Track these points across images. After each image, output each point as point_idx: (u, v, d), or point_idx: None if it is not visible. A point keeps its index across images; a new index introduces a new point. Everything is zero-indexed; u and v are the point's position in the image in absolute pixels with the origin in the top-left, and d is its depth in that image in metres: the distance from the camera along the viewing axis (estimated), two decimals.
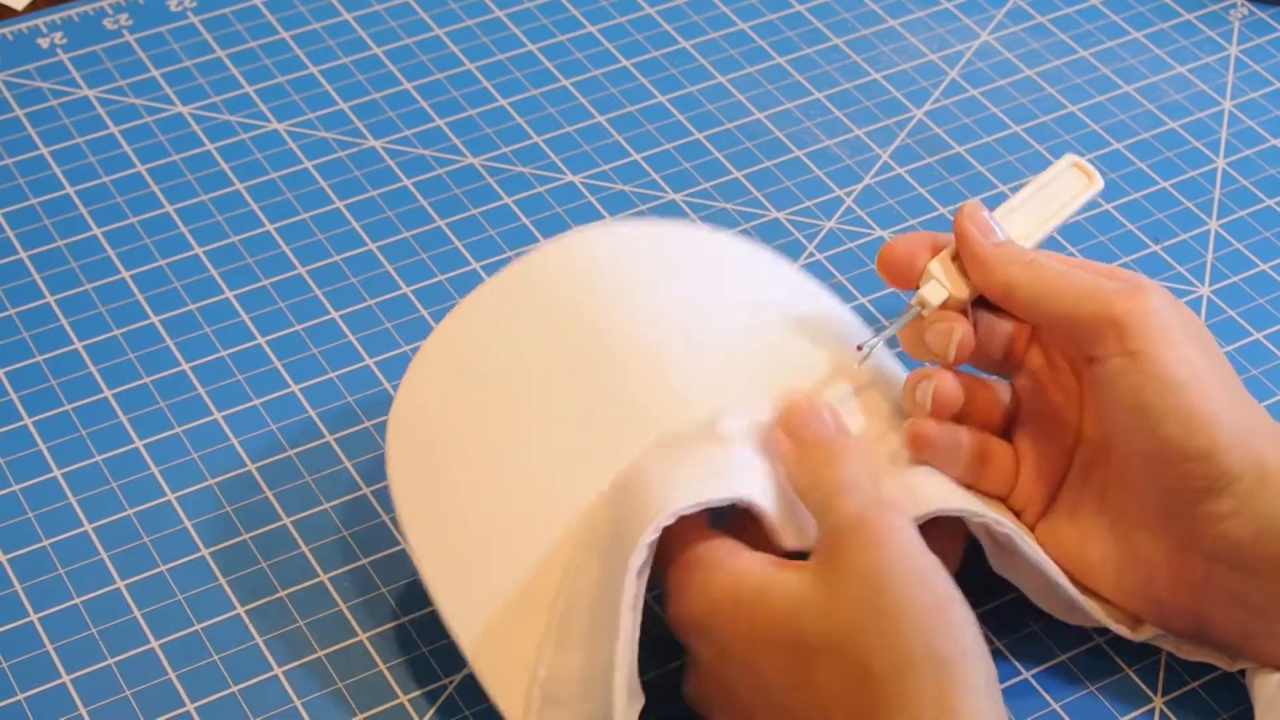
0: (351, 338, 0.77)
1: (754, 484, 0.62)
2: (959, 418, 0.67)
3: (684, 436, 0.64)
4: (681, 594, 0.61)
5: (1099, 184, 0.71)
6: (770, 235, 0.82)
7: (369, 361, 0.77)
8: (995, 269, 0.66)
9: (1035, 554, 0.65)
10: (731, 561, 0.61)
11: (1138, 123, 0.89)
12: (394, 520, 0.71)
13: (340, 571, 0.69)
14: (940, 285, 0.67)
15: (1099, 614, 0.66)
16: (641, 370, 0.67)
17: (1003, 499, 0.68)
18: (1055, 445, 0.67)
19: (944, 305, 0.67)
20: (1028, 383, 0.68)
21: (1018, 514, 0.67)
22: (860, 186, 0.85)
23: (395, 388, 0.75)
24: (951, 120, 0.89)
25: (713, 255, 0.73)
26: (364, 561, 0.70)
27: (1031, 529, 0.67)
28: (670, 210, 0.83)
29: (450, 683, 0.66)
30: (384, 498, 0.71)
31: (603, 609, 0.60)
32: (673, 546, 0.62)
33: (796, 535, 0.63)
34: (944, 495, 0.65)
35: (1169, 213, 0.85)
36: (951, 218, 0.83)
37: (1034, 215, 0.70)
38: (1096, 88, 0.91)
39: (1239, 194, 0.86)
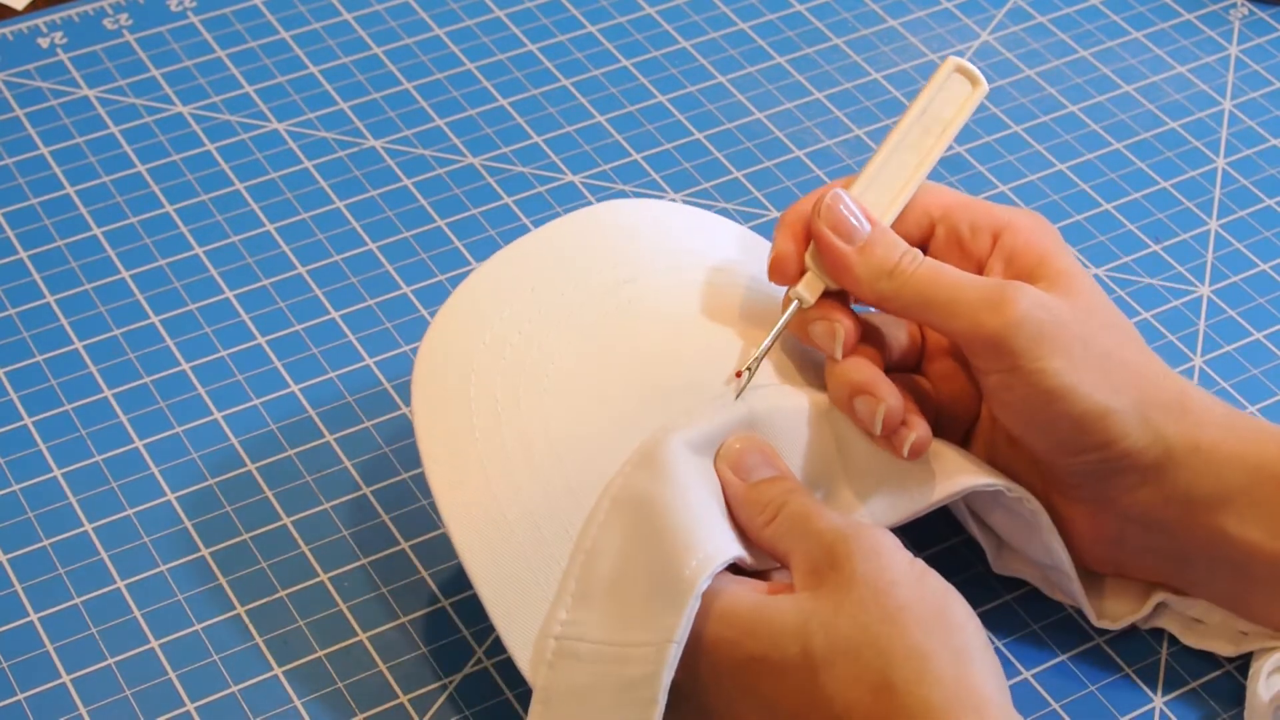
0: (351, 337, 0.77)
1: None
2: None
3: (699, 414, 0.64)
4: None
5: (984, 87, 0.67)
6: (770, 235, 0.82)
7: (369, 361, 0.77)
8: (862, 282, 0.64)
9: (1052, 535, 0.65)
10: (720, 592, 0.60)
11: (1138, 123, 0.89)
12: (394, 520, 0.71)
13: (340, 571, 0.69)
14: (816, 278, 0.65)
15: (1089, 610, 0.67)
16: (659, 332, 0.67)
17: None
18: (960, 424, 0.68)
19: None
20: (931, 368, 0.68)
21: None
22: None
23: (396, 388, 0.75)
24: None
25: (715, 228, 0.73)
26: (364, 561, 0.70)
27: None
28: None
29: (450, 683, 0.66)
30: (384, 498, 0.72)
31: (636, 567, 0.60)
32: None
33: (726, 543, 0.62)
34: (975, 471, 0.65)
35: (1169, 213, 0.85)
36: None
37: (903, 167, 0.67)
38: (1096, 88, 0.91)
39: (1239, 194, 0.86)
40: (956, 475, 0.64)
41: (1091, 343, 0.63)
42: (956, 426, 0.68)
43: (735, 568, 0.61)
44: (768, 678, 0.58)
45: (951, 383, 0.67)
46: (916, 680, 0.56)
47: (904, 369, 0.68)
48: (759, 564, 0.62)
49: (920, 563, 0.59)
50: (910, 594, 0.58)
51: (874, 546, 0.59)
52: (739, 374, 0.64)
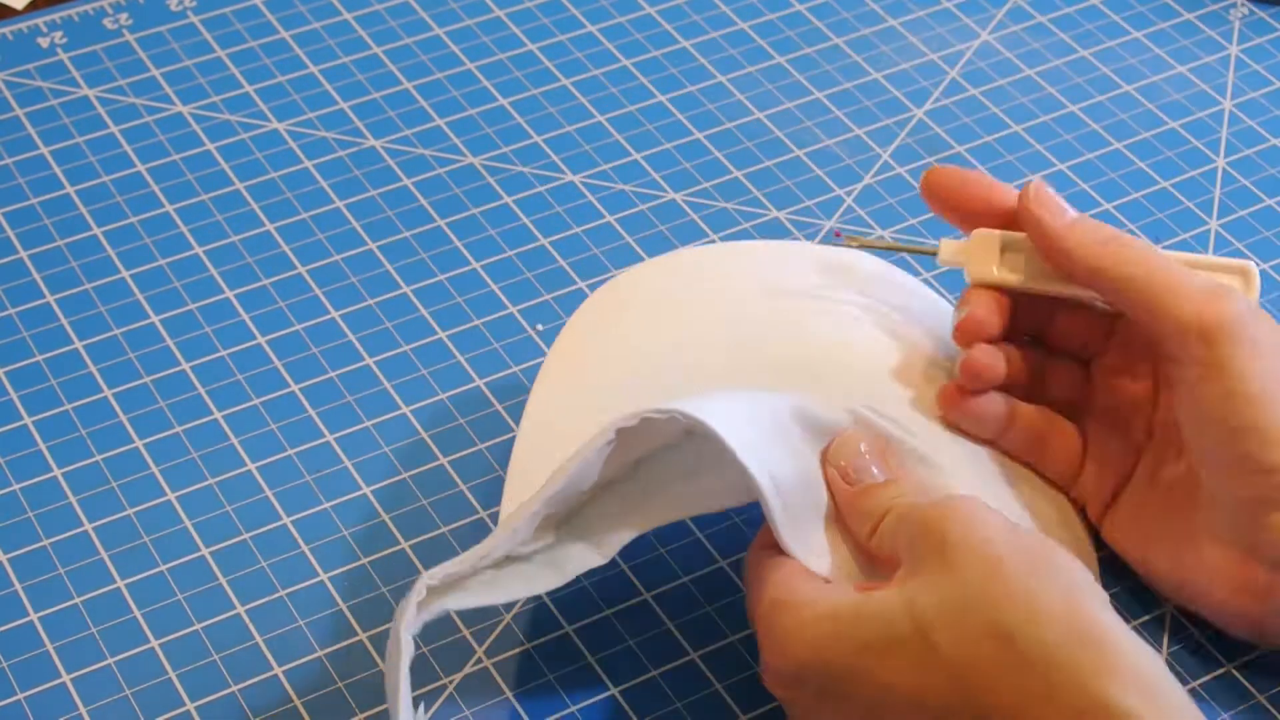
0: (352, 337, 0.77)
1: (764, 456, 0.62)
2: (1026, 395, 0.67)
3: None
4: (776, 642, 0.60)
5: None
6: (770, 235, 0.82)
7: (369, 361, 0.77)
8: (1075, 254, 0.64)
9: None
10: (818, 593, 0.60)
11: (1138, 122, 0.89)
12: (394, 520, 0.71)
13: (340, 571, 0.69)
14: (990, 268, 0.66)
15: None
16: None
17: (1065, 488, 0.68)
18: (1125, 440, 0.67)
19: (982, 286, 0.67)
20: (1103, 371, 0.68)
21: (1080, 507, 0.68)
22: (860, 186, 0.85)
23: (396, 388, 0.75)
24: (951, 120, 0.89)
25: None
26: (364, 561, 0.70)
27: (1098, 524, 0.68)
28: (670, 210, 0.83)
29: (450, 683, 0.66)
30: (384, 497, 0.72)
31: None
32: (757, 587, 0.61)
33: (803, 547, 0.62)
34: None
35: (1169, 213, 0.85)
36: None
37: None
38: (1096, 87, 0.91)
39: (1239, 194, 0.86)
40: None
41: None
42: (1102, 490, 0.67)
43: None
44: (883, 659, 0.57)
45: (1108, 437, 0.67)
46: (1029, 621, 0.55)
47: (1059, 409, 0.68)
48: (868, 576, 0.62)
49: (1015, 523, 0.59)
50: (1008, 546, 0.57)
51: (967, 512, 0.58)
52: (838, 234, 0.66)
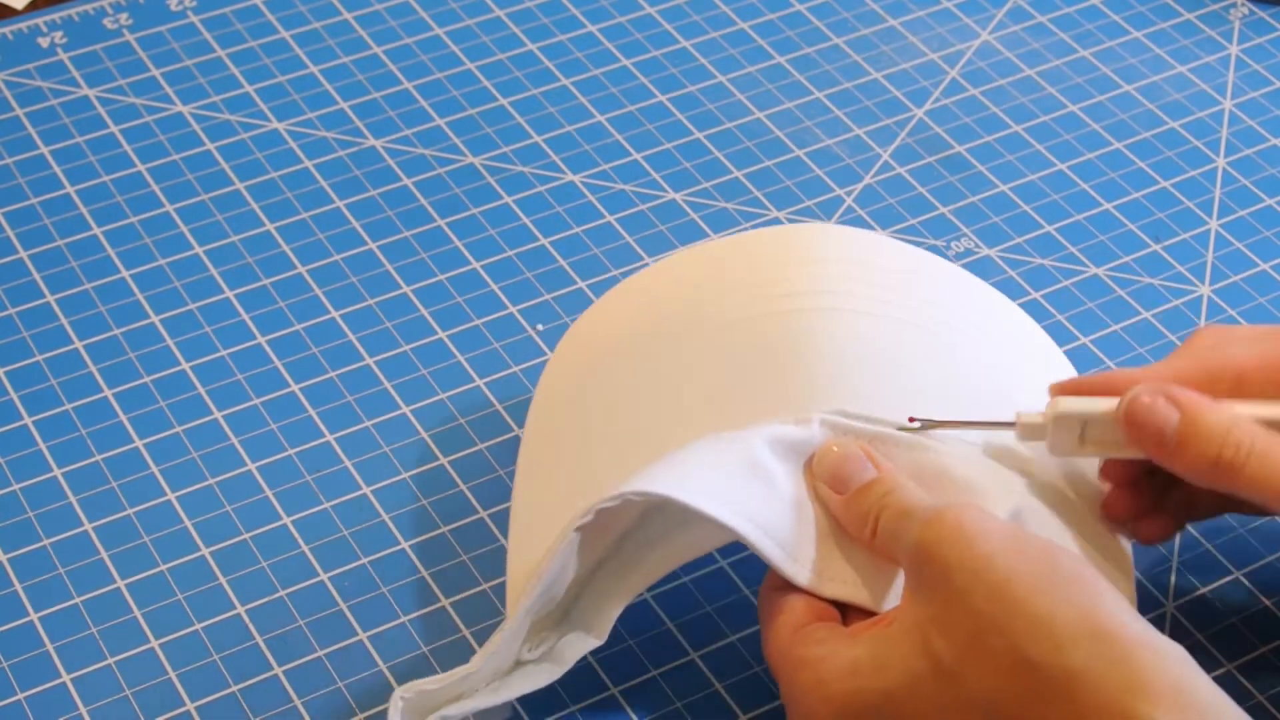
0: (352, 337, 0.77)
1: (761, 509, 0.61)
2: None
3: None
4: (799, 705, 0.59)
5: None
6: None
7: (369, 361, 0.77)
8: (1192, 452, 0.61)
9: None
10: (835, 647, 0.58)
11: (1138, 122, 0.89)
12: (394, 520, 0.71)
13: (340, 571, 0.69)
14: (1074, 446, 0.63)
15: None
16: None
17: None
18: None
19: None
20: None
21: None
22: (860, 186, 0.85)
23: (396, 388, 0.75)
24: (952, 120, 0.89)
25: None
26: (364, 561, 0.70)
27: None
28: (670, 210, 0.83)
29: None
30: (384, 497, 0.72)
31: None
32: (772, 634, 0.60)
33: (809, 574, 0.61)
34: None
35: (1169, 212, 0.85)
36: (952, 217, 0.83)
37: None
38: (1096, 87, 0.91)
39: (1239, 194, 0.86)
40: None
41: None
42: None
43: (848, 615, 0.61)
44: (909, 704, 0.56)
45: None
46: (1052, 648, 0.54)
47: None
48: (874, 604, 0.61)
49: (1013, 525, 0.58)
50: (1011, 562, 0.56)
51: (957, 526, 0.57)
52: (911, 419, 0.63)
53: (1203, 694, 0.54)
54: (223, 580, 0.69)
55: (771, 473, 0.62)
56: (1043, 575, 0.55)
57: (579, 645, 0.62)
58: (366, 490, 0.72)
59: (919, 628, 0.56)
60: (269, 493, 0.72)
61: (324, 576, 0.69)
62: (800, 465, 0.63)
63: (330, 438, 0.74)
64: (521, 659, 0.62)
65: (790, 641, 0.59)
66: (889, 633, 0.57)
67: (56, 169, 0.84)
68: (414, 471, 0.72)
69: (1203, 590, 0.70)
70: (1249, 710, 0.65)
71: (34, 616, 0.68)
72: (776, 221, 0.83)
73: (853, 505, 0.61)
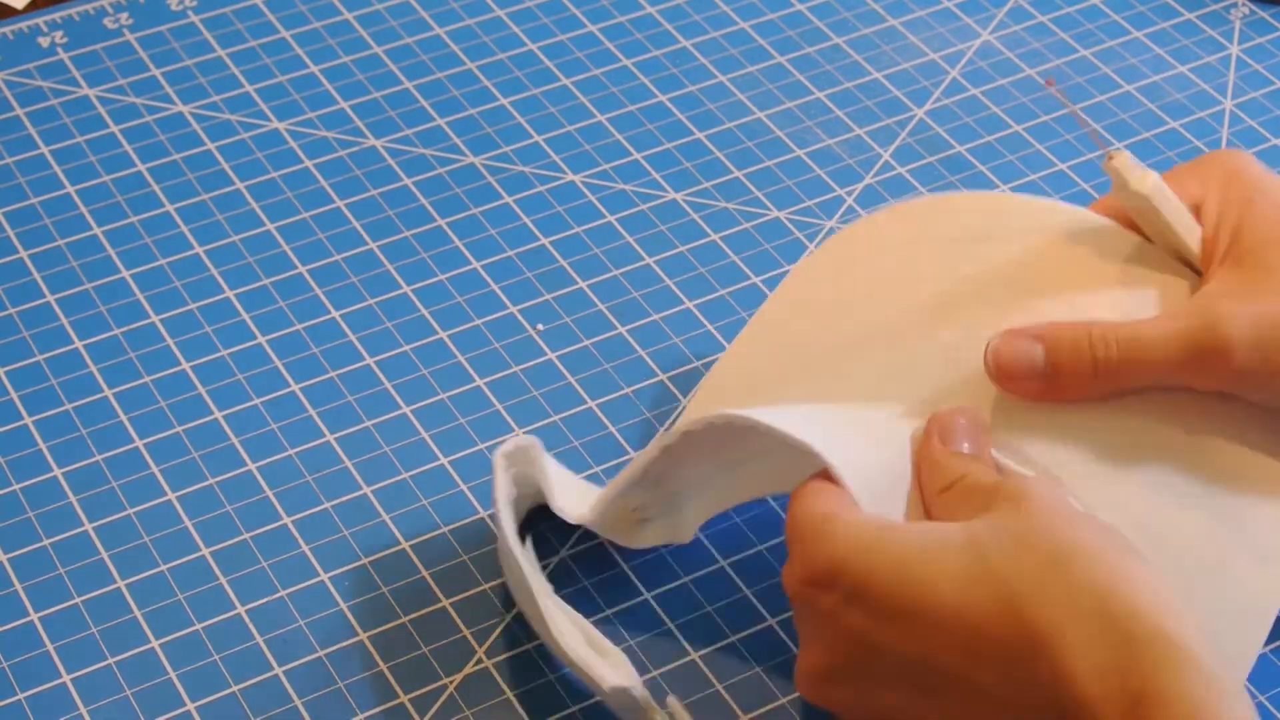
0: (352, 337, 0.77)
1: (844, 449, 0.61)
2: None
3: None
4: (816, 539, 0.58)
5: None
6: (771, 235, 0.82)
7: (369, 361, 0.77)
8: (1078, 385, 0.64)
9: None
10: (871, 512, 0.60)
11: (1138, 122, 0.89)
12: (394, 520, 0.71)
13: (340, 571, 0.69)
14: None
15: None
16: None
17: None
18: None
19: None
20: None
21: None
22: (861, 186, 0.85)
23: (396, 388, 0.75)
24: (952, 119, 0.89)
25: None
26: (364, 561, 0.70)
27: None
28: (671, 210, 0.83)
29: (450, 683, 0.66)
30: (384, 497, 0.72)
31: None
32: (802, 507, 0.60)
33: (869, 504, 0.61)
34: None
35: None
36: None
37: None
38: (1097, 87, 0.91)
39: None
40: None
41: None
42: None
43: None
44: (929, 565, 0.56)
45: None
46: (1092, 562, 0.55)
47: None
48: None
49: (1080, 509, 0.59)
50: (1082, 534, 0.56)
51: (1035, 494, 0.58)
52: (1049, 82, 0.64)
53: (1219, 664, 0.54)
54: (223, 580, 0.69)
55: (881, 437, 0.63)
56: (1100, 546, 0.56)
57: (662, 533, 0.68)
58: (367, 490, 0.72)
59: (969, 524, 0.57)
60: (269, 493, 0.72)
61: (324, 576, 0.69)
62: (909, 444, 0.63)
63: (330, 438, 0.74)
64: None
65: (825, 505, 0.59)
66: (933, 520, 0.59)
67: (57, 169, 0.84)
68: (414, 472, 0.72)
69: None
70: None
71: (34, 616, 0.68)
72: (777, 221, 0.83)
73: (947, 458, 0.61)
